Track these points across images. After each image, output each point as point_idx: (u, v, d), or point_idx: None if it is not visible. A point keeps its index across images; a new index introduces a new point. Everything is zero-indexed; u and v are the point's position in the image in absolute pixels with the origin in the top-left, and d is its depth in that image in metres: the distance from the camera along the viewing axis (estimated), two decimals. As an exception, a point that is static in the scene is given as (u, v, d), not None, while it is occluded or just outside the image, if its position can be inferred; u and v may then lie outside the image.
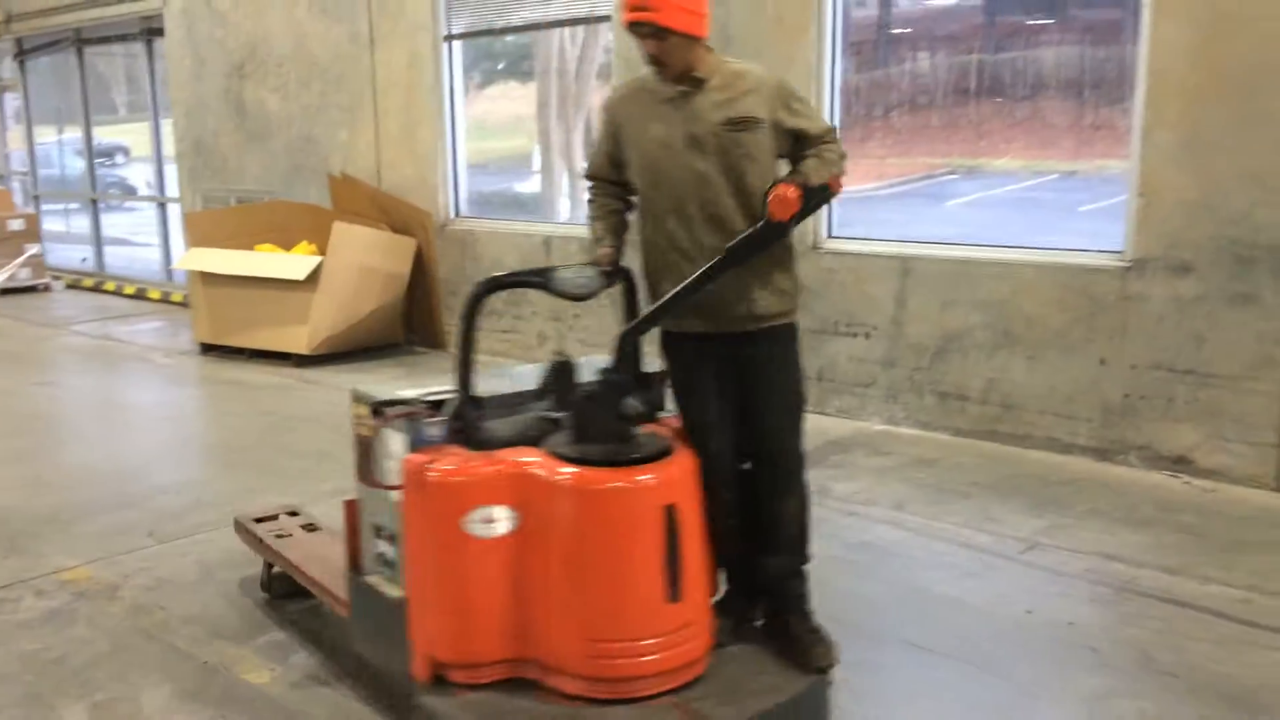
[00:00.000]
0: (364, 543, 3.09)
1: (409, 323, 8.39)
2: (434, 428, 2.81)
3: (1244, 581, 3.91)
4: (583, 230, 7.45)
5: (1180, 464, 5.02)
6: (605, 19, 7.16)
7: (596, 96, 7.83)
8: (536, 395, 3.02)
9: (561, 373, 2.97)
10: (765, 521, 3.05)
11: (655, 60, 2.91)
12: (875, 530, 4.49)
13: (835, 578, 3.84)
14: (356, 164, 8.67)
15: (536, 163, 8.53)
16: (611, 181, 3.13)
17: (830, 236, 6.21)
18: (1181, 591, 3.84)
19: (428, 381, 3.05)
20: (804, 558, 3.14)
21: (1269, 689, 3.19)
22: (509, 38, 8.19)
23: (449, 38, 8.09)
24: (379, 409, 2.91)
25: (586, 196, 3.20)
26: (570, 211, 8.16)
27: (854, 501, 4.82)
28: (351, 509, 3.11)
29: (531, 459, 2.72)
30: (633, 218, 3.13)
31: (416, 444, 2.80)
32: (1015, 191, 6.22)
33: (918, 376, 5.84)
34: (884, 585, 3.97)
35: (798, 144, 2.96)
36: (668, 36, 2.83)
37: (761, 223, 2.79)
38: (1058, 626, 3.59)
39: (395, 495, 2.84)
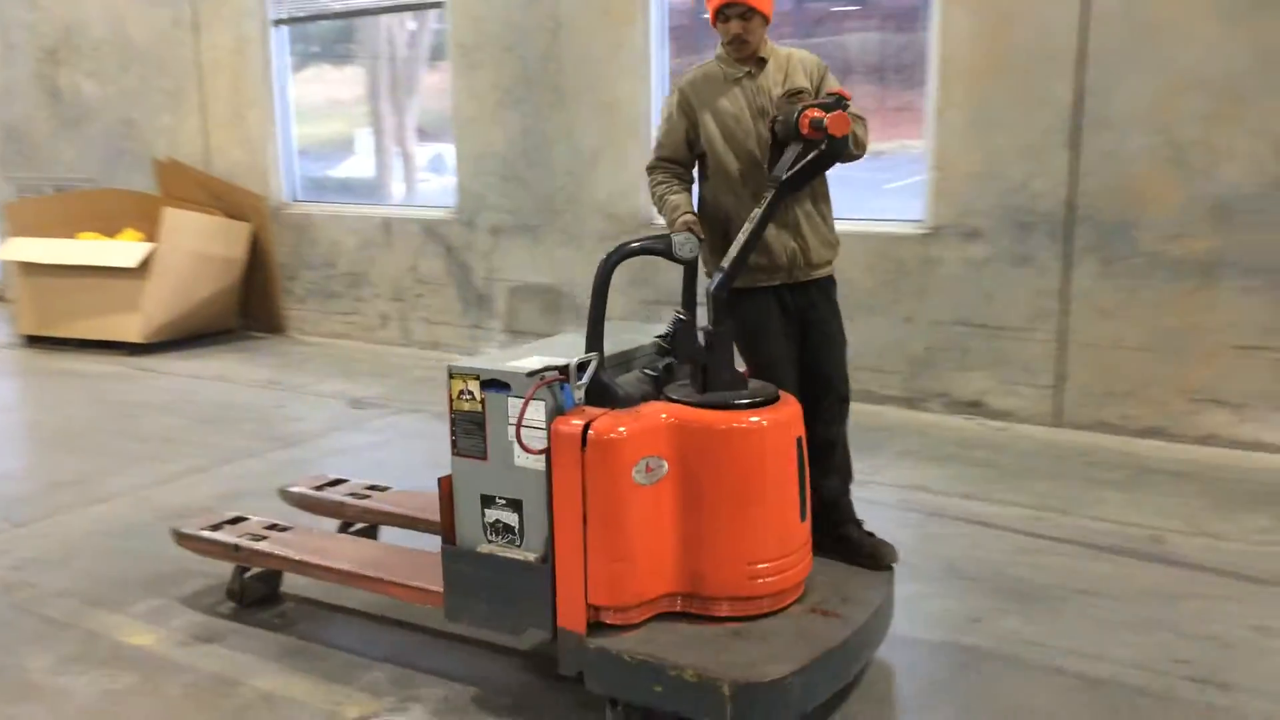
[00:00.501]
0: (464, 516, 3.11)
1: (244, 308, 8.36)
2: (577, 391, 2.90)
3: (1031, 502, 4.51)
4: (422, 212, 7.66)
5: (975, 407, 5.65)
6: (436, 4, 7.33)
7: (429, 79, 8.00)
8: (625, 357, 3.19)
9: (683, 331, 3.08)
10: (823, 447, 3.36)
11: (737, 39, 3.30)
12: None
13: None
14: (183, 149, 8.55)
15: (358, 146, 8.59)
16: (678, 162, 3.42)
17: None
18: (980, 512, 4.41)
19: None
20: (852, 477, 3.55)
21: (1053, 585, 3.75)
22: (328, 22, 8.23)
23: (278, 22, 8.09)
24: (498, 382, 2.94)
25: (653, 179, 3.45)
26: (405, 194, 8.30)
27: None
28: (446, 485, 3.13)
29: (676, 410, 2.91)
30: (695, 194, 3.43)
31: (560, 409, 2.90)
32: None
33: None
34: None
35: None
36: (753, 17, 3.26)
37: (826, 142, 3.05)
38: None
39: (528, 461, 2.92)
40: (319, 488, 4.11)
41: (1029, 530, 4.24)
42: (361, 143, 8.58)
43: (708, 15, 3.34)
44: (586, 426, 2.81)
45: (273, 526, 3.74)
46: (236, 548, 3.62)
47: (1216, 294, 4.99)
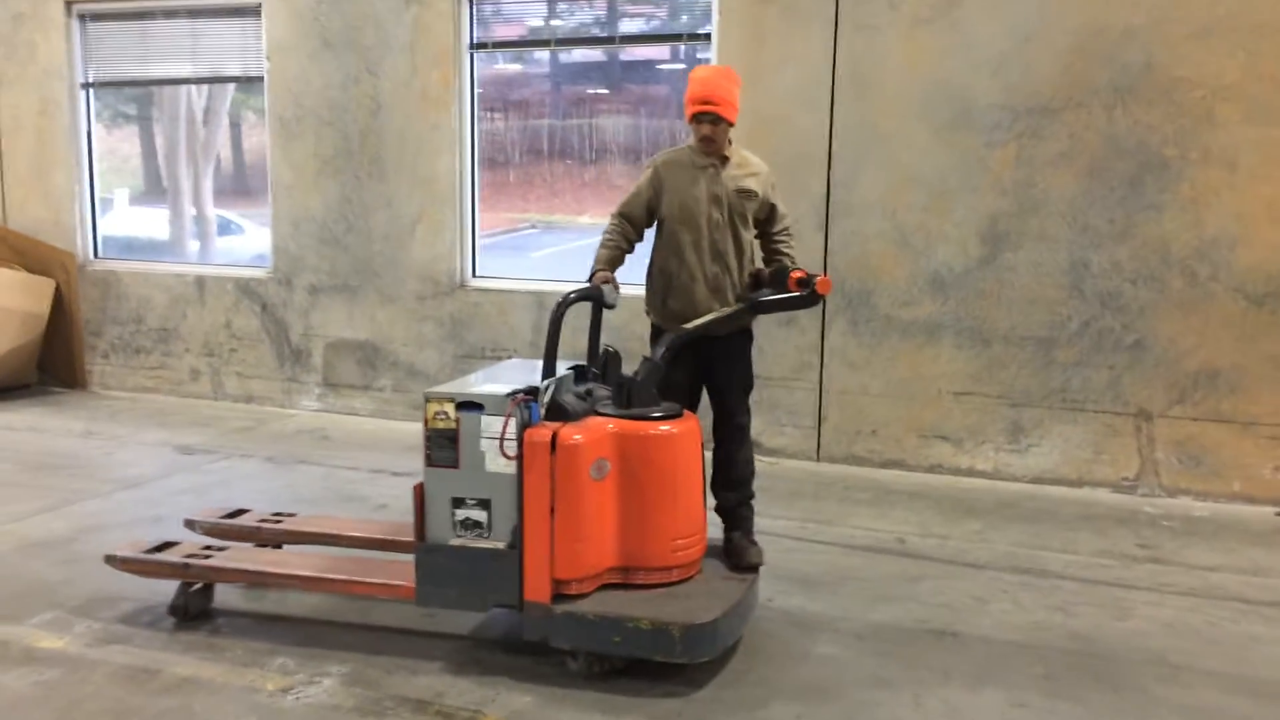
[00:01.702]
0: (434, 516, 3.71)
1: (42, 363, 8.36)
2: (540, 410, 3.61)
3: (801, 517, 5.50)
4: (237, 271, 8.00)
5: (755, 446, 6.66)
6: (256, 79, 7.81)
7: (225, 146, 8.42)
8: (577, 380, 3.99)
9: (611, 361, 3.94)
10: (724, 463, 4.27)
11: (707, 139, 4.11)
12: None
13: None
14: (-24, 204, 8.51)
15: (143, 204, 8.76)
16: (634, 224, 4.23)
17: (475, 276, 7.34)
18: (761, 525, 5.31)
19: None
20: (749, 494, 4.35)
21: (823, 574, 4.72)
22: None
23: (86, 85, 8.29)
24: (471, 403, 3.61)
25: (606, 230, 4.25)
26: (200, 253, 8.52)
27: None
28: (419, 491, 3.74)
29: (617, 422, 3.70)
30: (629, 258, 4.26)
31: (527, 423, 3.58)
32: (589, 244, 7.54)
33: (553, 390, 7.10)
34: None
35: (769, 218, 4.28)
36: (720, 123, 4.07)
37: (809, 292, 3.98)
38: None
39: (499, 466, 3.60)
40: (227, 517, 4.58)
41: (801, 536, 5.21)
42: (152, 203, 8.73)
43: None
44: (554, 435, 3.56)
45: (208, 548, 4.19)
46: (186, 566, 4.04)
47: (938, 350, 6.23)
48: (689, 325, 4.06)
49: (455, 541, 3.71)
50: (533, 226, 7.65)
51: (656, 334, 4.29)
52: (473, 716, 3.41)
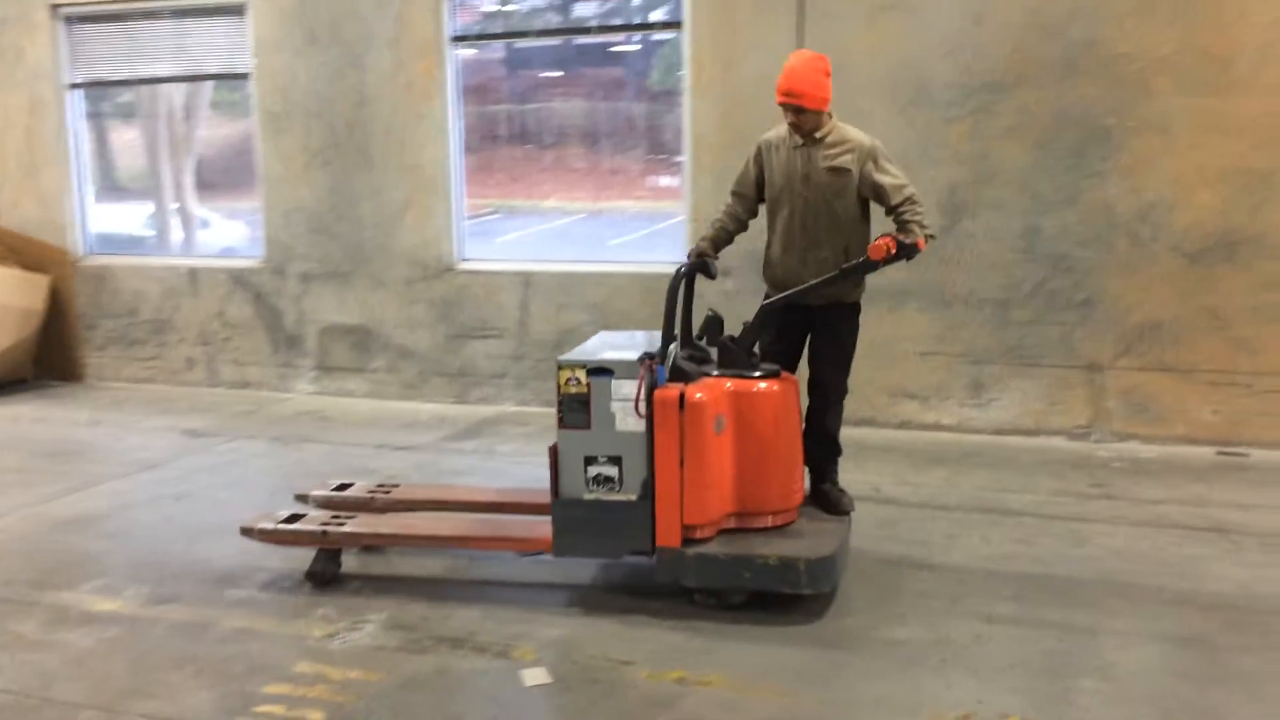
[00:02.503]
0: (568, 474, 4.07)
1: (37, 357, 8.60)
2: (663, 371, 4.01)
3: (783, 472, 5.93)
4: (229, 262, 8.27)
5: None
6: (242, 76, 8.08)
7: (203, 140, 8.67)
8: (683, 343, 4.37)
9: (712, 325, 4.31)
10: (815, 424, 4.60)
11: (793, 124, 4.41)
12: (542, 471, 5.98)
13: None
14: (-33, 205, 8.72)
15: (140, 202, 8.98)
16: (743, 201, 4.64)
17: (463, 259, 7.69)
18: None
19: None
20: (837, 450, 4.72)
21: (806, 519, 5.15)
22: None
23: (74, 86, 8.52)
24: (602, 369, 3.98)
25: (721, 208, 4.70)
26: (183, 246, 8.76)
27: (518, 455, 6.33)
28: (553, 452, 4.10)
29: (733, 381, 4.11)
30: (738, 235, 4.70)
31: (654, 385, 3.97)
32: (556, 228, 7.85)
33: (542, 365, 7.47)
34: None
35: (878, 193, 4.39)
36: (804, 112, 4.35)
37: (863, 258, 4.25)
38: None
39: (628, 425, 3.97)
40: (336, 489, 4.89)
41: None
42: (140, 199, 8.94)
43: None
44: (681, 395, 3.95)
45: (335, 517, 4.49)
46: (324, 533, 4.35)
47: (904, 314, 6.66)
48: (776, 297, 4.42)
49: (589, 496, 4.06)
50: (495, 212, 7.94)
51: (766, 299, 4.62)
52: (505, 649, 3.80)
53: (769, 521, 4.19)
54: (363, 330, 7.92)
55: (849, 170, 4.39)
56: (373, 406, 7.71)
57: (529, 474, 5.85)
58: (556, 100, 7.72)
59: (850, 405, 6.76)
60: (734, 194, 4.69)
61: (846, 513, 4.52)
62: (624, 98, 7.53)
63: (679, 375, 4.07)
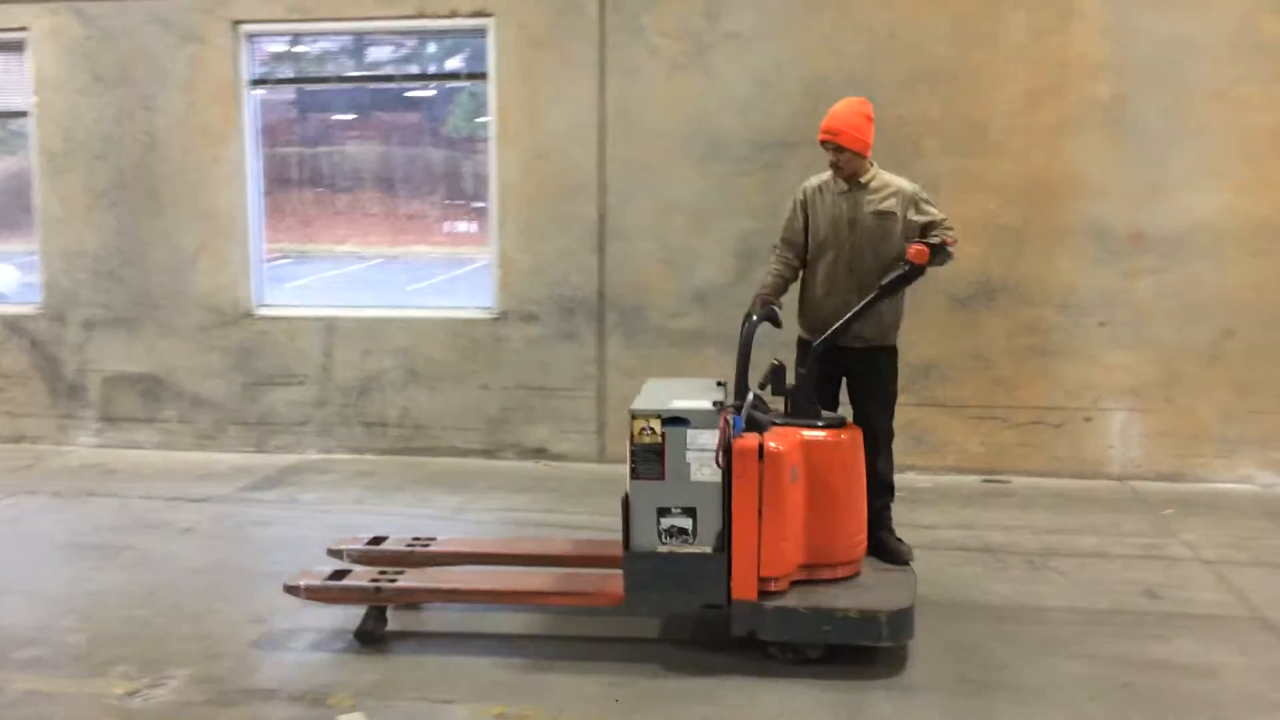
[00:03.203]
0: (640, 526, 3.95)
1: None
2: (740, 421, 3.91)
3: (590, 511, 6.06)
4: (3, 309, 7.76)
5: (541, 452, 7.20)
6: (19, 114, 7.67)
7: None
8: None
9: (776, 374, 4.20)
10: (867, 470, 4.34)
11: (834, 165, 4.48)
12: (350, 517, 5.92)
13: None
14: None
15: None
16: (793, 249, 4.64)
17: (262, 305, 7.51)
18: (556, 520, 5.90)
19: None
20: (892, 495, 4.64)
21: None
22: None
23: None
24: (677, 419, 3.89)
25: (771, 259, 4.72)
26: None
27: (322, 504, 6.23)
28: (625, 503, 3.98)
29: (804, 431, 4.07)
30: (794, 284, 4.65)
31: (731, 435, 3.86)
32: (352, 273, 7.82)
33: (346, 411, 7.38)
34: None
35: (922, 234, 4.44)
36: (844, 151, 4.42)
37: (908, 266, 4.27)
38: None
39: (704, 476, 3.87)
40: (371, 543, 4.72)
41: (593, 526, 5.78)
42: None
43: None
44: (761, 445, 3.89)
45: (383, 572, 4.31)
46: (378, 590, 4.16)
47: (703, 356, 6.95)
48: (825, 335, 4.38)
49: (662, 549, 3.95)
50: (285, 257, 7.82)
51: (802, 345, 4.64)
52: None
53: (838, 573, 4.14)
54: (152, 379, 7.59)
55: (894, 214, 4.48)
56: (164, 458, 7.38)
57: (335, 522, 5.80)
58: (351, 144, 7.70)
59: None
60: (784, 242, 4.70)
61: (907, 562, 4.48)
62: (421, 143, 7.59)
63: (752, 425, 3.99)
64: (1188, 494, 6.33)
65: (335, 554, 4.72)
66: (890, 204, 4.50)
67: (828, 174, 4.63)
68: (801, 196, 4.68)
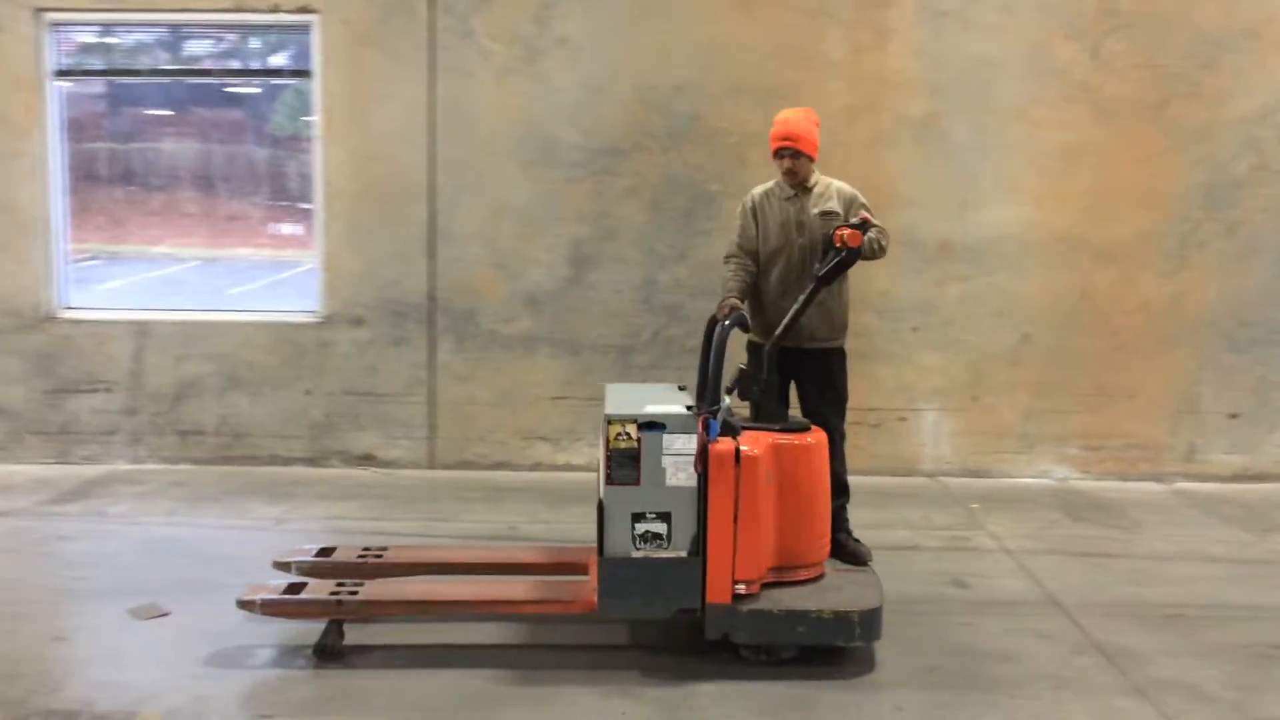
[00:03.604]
0: (614, 532, 3.91)
1: None
2: (715, 425, 3.91)
3: (423, 518, 6.00)
4: None
5: (369, 459, 7.05)
6: None
7: None
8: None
9: (746, 378, 4.29)
10: None
11: (789, 172, 4.65)
12: (160, 530, 5.67)
13: (139, 565, 5.05)
14: None
15: None
16: (749, 255, 4.74)
17: (66, 308, 7.09)
18: (386, 528, 5.78)
19: None
20: (845, 498, 4.74)
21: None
22: None
23: None
24: (653, 423, 3.89)
25: (727, 266, 4.77)
26: None
27: (130, 517, 5.93)
28: (600, 509, 3.92)
29: (774, 434, 4.09)
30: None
31: (710, 438, 3.87)
32: (168, 275, 7.51)
33: (159, 420, 7.03)
34: (174, 561, 5.24)
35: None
36: (800, 157, 4.60)
37: (845, 251, 4.29)
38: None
39: (679, 480, 3.87)
40: (319, 555, 4.56)
41: (424, 534, 5.71)
42: None
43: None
44: (737, 449, 3.90)
45: (340, 585, 4.17)
46: (339, 602, 4.03)
47: (535, 360, 6.98)
48: (779, 330, 4.45)
49: (636, 554, 3.93)
50: (94, 258, 7.44)
51: (753, 349, 4.70)
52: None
53: (804, 575, 4.18)
54: (-56, 386, 7.07)
55: (837, 213, 4.65)
56: (-47, 471, 6.88)
57: (145, 536, 5.57)
58: (168, 140, 7.37)
59: (485, 450, 7.03)
60: (740, 249, 4.80)
61: (866, 562, 4.58)
62: (244, 141, 7.33)
63: (725, 429, 4.00)
64: (992, 489, 6.73)
65: (283, 567, 4.55)
66: (833, 204, 4.71)
67: (770, 182, 4.84)
68: (750, 204, 4.84)
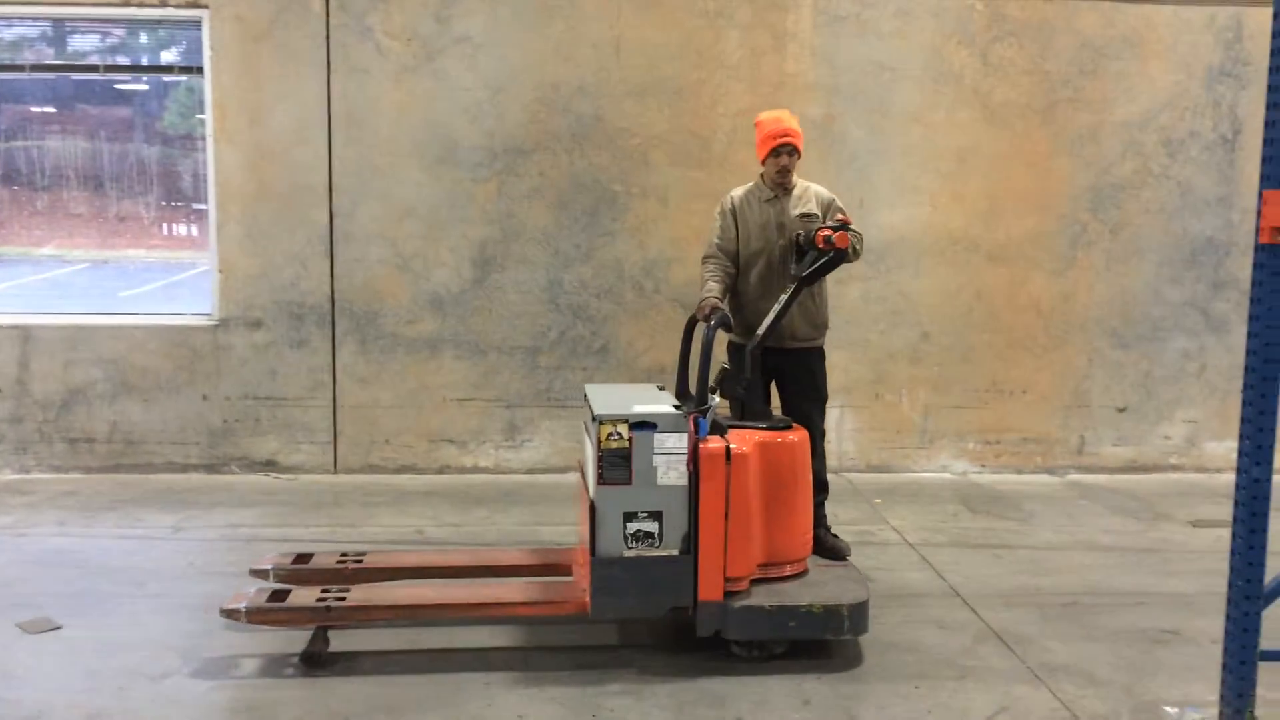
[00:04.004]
0: (606, 532, 3.91)
1: None
2: (705, 424, 3.95)
3: (327, 523, 5.87)
4: None
5: (270, 465, 6.88)
6: None
7: None
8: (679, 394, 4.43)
9: (730, 377, 4.30)
10: None
11: (785, 170, 4.70)
12: (49, 542, 5.45)
13: (28, 578, 4.83)
14: None
15: None
16: (728, 256, 4.76)
17: (-58, 313, 6.78)
18: (290, 534, 5.65)
19: None
20: (824, 494, 4.79)
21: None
22: None
23: None
24: (645, 423, 3.90)
25: (705, 267, 4.79)
26: None
27: (17, 528, 5.68)
28: (591, 510, 3.92)
29: (760, 433, 4.14)
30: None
31: (700, 436, 3.92)
32: (54, 278, 7.23)
33: (46, 428, 6.77)
34: (64, 573, 5.05)
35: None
36: (795, 154, 4.68)
37: (833, 252, 4.39)
38: (214, 568, 5.13)
39: (670, 479, 3.90)
40: (296, 561, 4.51)
41: (329, 540, 5.60)
42: None
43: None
44: (727, 447, 3.96)
45: (326, 591, 4.11)
46: (328, 609, 3.96)
47: (441, 362, 6.90)
48: (760, 330, 4.52)
49: (628, 554, 3.95)
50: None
51: (734, 350, 4.77)
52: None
53: (790, 571, 4.24)
54: None
55: (816, 215, 4.74)
56: None
57: (34, 547, 5.35)
58: (52, 138, 7.09)
59: (390, 453, 6.93)
60: (719, 250, 4.81)
61: (845, 557, 4.66)
62: (134, 139, 7.09)
63: (714, 428, 4.03)
64: (895, 483, 6.88)
65: (260, 574, 4.48)
66: (812, 205, 4.79)
67: (749, 184, 4.90)
68: (730, 205, 4.87)
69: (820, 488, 4.76)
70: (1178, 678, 4.04)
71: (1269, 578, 3.46)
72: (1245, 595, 3.44)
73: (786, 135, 4.70)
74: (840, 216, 4.68)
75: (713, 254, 4.84)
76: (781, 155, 4.73)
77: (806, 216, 4.74)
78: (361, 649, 4.17)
